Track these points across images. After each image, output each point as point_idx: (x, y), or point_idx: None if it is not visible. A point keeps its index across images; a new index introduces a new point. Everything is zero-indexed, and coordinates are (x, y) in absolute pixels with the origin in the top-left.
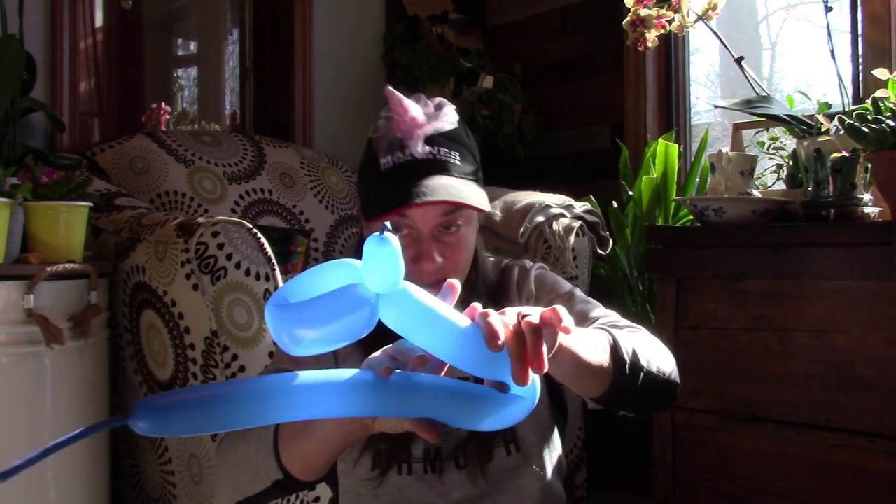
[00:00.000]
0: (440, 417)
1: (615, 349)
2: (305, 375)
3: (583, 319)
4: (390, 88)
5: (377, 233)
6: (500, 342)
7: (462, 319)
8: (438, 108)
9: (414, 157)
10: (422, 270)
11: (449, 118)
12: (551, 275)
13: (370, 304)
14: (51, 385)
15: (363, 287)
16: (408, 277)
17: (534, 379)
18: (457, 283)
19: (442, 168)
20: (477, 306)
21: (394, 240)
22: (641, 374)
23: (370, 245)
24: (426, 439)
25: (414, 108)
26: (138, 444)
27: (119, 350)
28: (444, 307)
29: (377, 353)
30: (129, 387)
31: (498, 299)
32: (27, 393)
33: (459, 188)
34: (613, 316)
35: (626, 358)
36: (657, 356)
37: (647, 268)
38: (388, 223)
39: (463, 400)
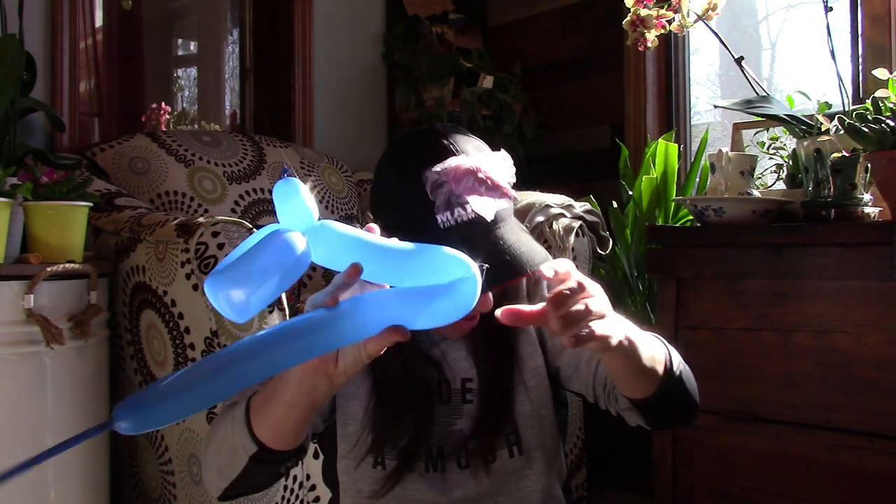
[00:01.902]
0: (403, 324)
1: (669, 358)
2: (261, 334)
3: None
4: (456, 164)
5: (280, 178)
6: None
7: (383, 239)
8: (497, 163)
9: (479, 215)
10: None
11: (508, 173)
12: None
13: (293, 241)
14: (51, 385)
15: (284, 230)
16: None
17: (465, 255)
18: (374, 226)
19: (500, 218)
20: (373, 227)
21: (296, 179)
22: (681, 389)
23: (276, 190)
24: (399, 340)
25: (482, 175)
26: (138, 445)
27: (119, 350)
28: (365, 233)
29: (317, 293)
30: (129, 387)
31: (507, 297)
32: (27, 393)
33: (526, 242)
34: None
35: (675, 369)
36: (689, 374)
37: (647, 268)
38: (286, 167)
39: (414, 298)
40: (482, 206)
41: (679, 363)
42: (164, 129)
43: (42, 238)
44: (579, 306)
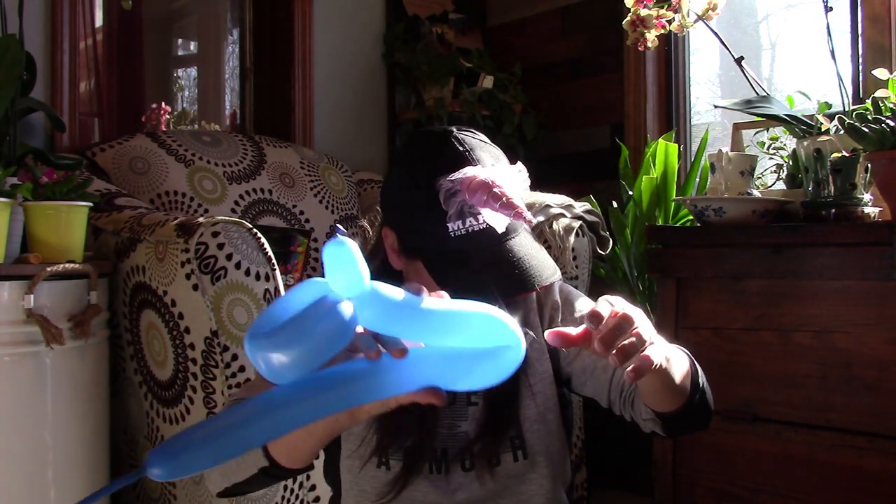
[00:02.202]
0: (439, 384)
1: (696, 373)
2: (300, 384)
3: None
4: (473, 174)
5: (333, 238)
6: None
7: (433, 302)
8: (511, 175)
9: (490, 226)
10: None
11: (522, 184)
12: (574, 291)
13: (341, 310)
14: (51, 385)
15: (332, 296)
16: None
17: (514, 323)
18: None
19: (511, 229)
20: (441, 293)
21: (349, 241)
22: (704, 400)
23: (328, 252)
24: (435, 404)
25: (496, 189)
26: (138, 444)
27: (119, 350)
28: (414, 297)
29: (358, 335)
30: (129, 387)
31: (515, 308)
32: (27, 393)
33: (536, 255)
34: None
35: (701, 383)
36: (707, 384)
37: (647, 268)
38: (339, 226)
39: (457, 361)
40: (495, 218)
41: (702, 376)
42: (164, 129)
43: (42, 238)
44: (632, 338)
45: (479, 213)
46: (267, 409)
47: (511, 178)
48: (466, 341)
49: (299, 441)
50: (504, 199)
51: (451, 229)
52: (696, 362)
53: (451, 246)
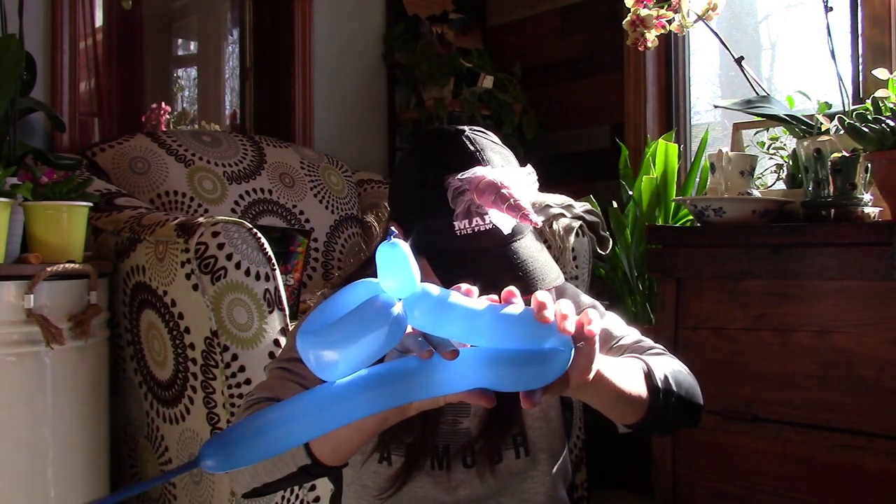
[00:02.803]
0: (488, 385)
1: (649, 377)
2: (353, 378)
3: (606, 339)
4: (488, 177)
5: (386, 239)
6: (546, 313)
7: (482, 304)
8: (521, 179)
9: (496, 226)
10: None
11: (531, 189)
12: (572, 287)
13: (392, 310)
14: (51, 385)
15: (384, 296)
16: None
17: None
18: (474, 290)
19: (517, 232)
20: (492, 296)
21: (402, 243)
22: (673, 400)
23: (381, 253)
24: (483, 405)
25: (507, 193)
26: (138, 444)
27: (119, 350)
28: (464, 298)
29: (408, 334)
30: (129, 387)
31: None
32: (27, 393)
33: (539, 257)
34: (635, 334)
35: (660, 385)
36: (685, 380)
37: (647, 268)
38: (394, 229)
39: (507, 364)
40: (501, 219)
41: (666, 378)
42: (164, 129)
43: (42, 238)
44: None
45: (486, 214)
46: (319, 404)
47: (520, 180)
48: (515, 343)
49: (347, 437)
50: (511, 200)
51: (457, 228)
52: (652, 366)
53: (455, 245)
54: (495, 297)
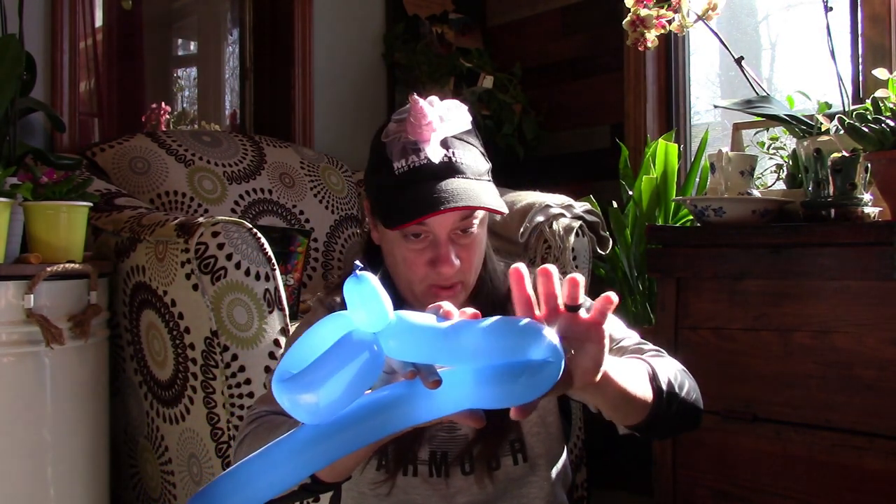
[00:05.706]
0: (479, 405)
1: (654, 379)
2: (342, 414)
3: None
4: (415, 96)
5: (352, 274)
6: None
7: (464, 325)
8: (450, 109)
9: (430, 160)
10: (440, 273)
11: (462, 119)
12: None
13: (368, 346)
14: (51, 385)
15: (357, 332)
16: (425, 280)
17: (551, 335)
18: (453, 310)
19: (457, 171)
20: (467, 311)
21: (368, 276)
22: (676, 402)
23: (348, 289)
24: (473, 426)
25: (430, 113)
26: (138, 445)
27: (119, 350)
28: (442, 323)
29: (394, 364)
30: (129, 387)
31: (506, 307)
32: (27, 393)
33: (477, 191)
34: (635, 337)
35: (664, 387)
36: (687, 383)
37: (647, 268)
38: (357, 262)
39: (495, 381)
40: (433, 151)
41: (669, 380)
42: (164, 129)
43: (42, 238)
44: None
45: (421, 150)
46: (308, 444)
47: (451, 110)
48: (502, 358)
49: (344, 459)
50: (427, 118)
51: (395, 167)
52: (656, 368)
53: (393, 181)
54: (473, 310)
